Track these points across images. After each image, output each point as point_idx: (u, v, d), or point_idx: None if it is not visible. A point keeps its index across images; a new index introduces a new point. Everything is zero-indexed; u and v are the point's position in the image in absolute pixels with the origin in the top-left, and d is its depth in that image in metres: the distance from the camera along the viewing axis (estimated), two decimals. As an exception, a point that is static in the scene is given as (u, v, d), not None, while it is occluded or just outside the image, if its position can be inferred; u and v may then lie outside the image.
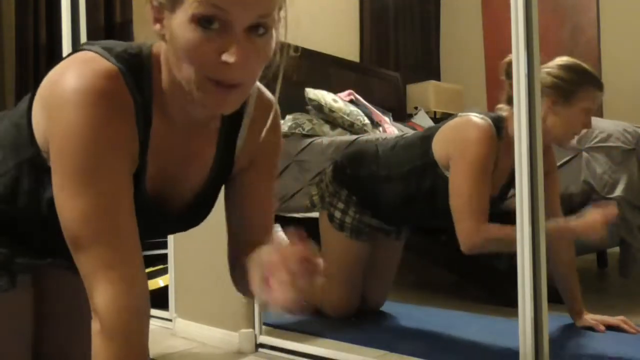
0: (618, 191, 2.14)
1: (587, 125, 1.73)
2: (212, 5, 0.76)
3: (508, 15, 1.39)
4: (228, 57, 0.77)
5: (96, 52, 0.85)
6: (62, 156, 0.82)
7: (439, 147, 1.80)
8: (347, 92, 3.44)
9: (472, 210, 1.63)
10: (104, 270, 0.79)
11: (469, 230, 1.65)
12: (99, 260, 0.80)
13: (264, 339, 1.79)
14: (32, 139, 0.90)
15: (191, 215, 1.03)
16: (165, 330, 1.99)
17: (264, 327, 1.82)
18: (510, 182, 1.84)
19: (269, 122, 0.96)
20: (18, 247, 1.01)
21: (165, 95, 0.89)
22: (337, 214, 2.05)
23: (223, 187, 1.07)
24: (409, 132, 3.02)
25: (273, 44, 0.82)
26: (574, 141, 1.81)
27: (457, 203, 1.70)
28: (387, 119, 3.59)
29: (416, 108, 4.49)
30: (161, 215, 0.97)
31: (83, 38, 2.08)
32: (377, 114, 3.51)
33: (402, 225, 2.13)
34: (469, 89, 4.88)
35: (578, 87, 1.70)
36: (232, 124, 0.99)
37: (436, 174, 1.81)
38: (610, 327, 1.84)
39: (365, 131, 3.18)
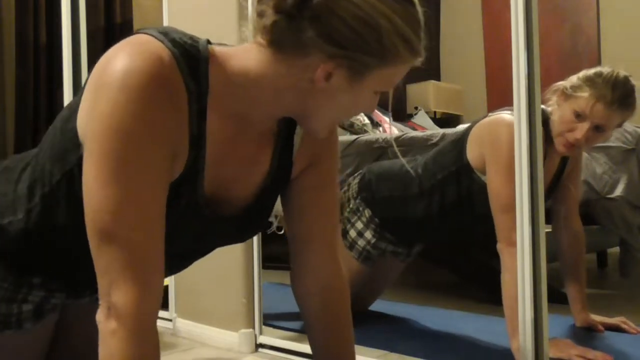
0: (618, 191, 2.14)
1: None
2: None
3: (508, 15, 1.39)
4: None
5: (150, 35, 0.80)
6: (99, 138, 0.76)
7: (472, 149, 1.74)
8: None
9: (512, 206, 1.47)
10: (128, 268, 0.75)
11: (510, 224, 1.51)
12: (125, 256, 0.75)
13: (264, 339, 1.79)
14: (78, 139, 0.82)
15: (248, 221, 0.99)
16: (165, 330, 1.99)
17: (264, 327, 1.82)
18: (559, 178, 1.82)
19: None
20: (56, 285, 0.98)
21: (224, 91, 0.84)
22: (352, 233, 1.97)
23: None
24: (409, 131, 3.02)
25: None
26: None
27: (497, 202, 1.62)
28: (387, 119, 3.59)
29: (416, 108, 4.49)
30: (217, 220, 0.93)
31: (83, 38, 2.08)
32: (377, 114, 3.51)
33: (427, 242, 2.05)
34: (469, 89, 4.88)
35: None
36: (289, 125, 0.96)
37: (471, 178, 1.74)
38: (610, 328, 1.84)
39: (365, 131, 3.18)
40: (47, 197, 0.89)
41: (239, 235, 1.03)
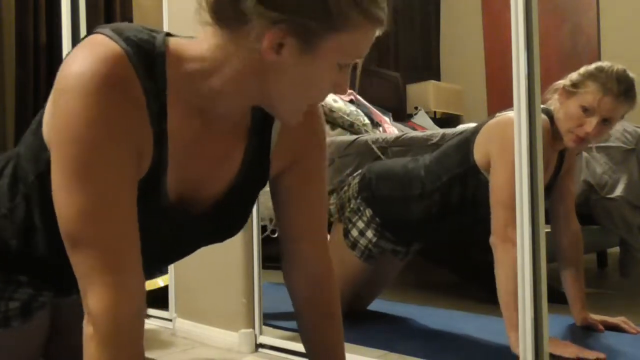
0: (618, 191, 2.14)
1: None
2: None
3: (508, 15, 1.39)
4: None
5: (105, 35, 0.79)
6: (60, 146, 0.76)
7: (479, 150, 1.74)
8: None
9: (512, 203, 1.46)
10: (100, 272, 0.75)
11: (507, 219, 1.53)
12: (96, 261, 0.75)
13: (264, 339, 1.79)
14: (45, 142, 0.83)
15: (223, 219, 0.97)
16: (165, 330, 1.99)
17: (264, 327, 1.81)
18: (556, 176, 1.83)
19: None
20: (43, 284, 0.98)
21: (182, 86, 0.83)
22: (354, 233, 1.98)
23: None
24: (409, 131, 3.02)
25: None
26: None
27: (498, 197, 1.62)
28: (387, 119, 3.59)
29: (416, 108, 4.49)
30: (187, 220, 0.92)
31: (83, 38, 2.08)
32: (377, 114, 3.51)
33: (426, 242, 2.06)
34: (469, 89, 4.88)
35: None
36: (264, 120, 0.94)
37: (478, 179, 1.74)
38: (610, 327, 1.84)
39: (366, 131, 3.18)
40: (28, 197, 0.90)
41: (216, 234, 1.01)
